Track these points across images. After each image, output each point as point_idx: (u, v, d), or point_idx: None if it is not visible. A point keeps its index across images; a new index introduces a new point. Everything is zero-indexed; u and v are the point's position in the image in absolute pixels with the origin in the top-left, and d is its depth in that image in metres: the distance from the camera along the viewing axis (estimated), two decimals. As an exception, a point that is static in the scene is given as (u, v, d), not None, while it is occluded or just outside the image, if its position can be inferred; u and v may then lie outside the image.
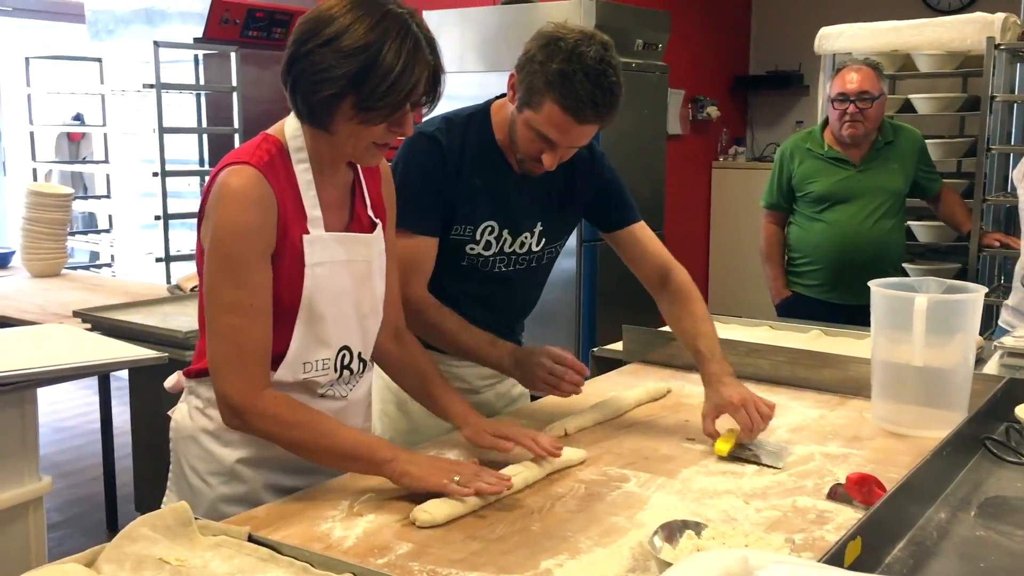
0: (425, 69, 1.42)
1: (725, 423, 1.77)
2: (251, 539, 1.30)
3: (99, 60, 5.62)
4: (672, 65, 5.09)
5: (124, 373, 4.37)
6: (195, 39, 4.97)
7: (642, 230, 2.02)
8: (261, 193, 1.43)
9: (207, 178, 1.59)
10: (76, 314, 3.08)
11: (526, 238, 1.95)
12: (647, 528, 1.37)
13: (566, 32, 1.70)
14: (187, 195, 5.11)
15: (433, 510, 1.40)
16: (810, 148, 3.39)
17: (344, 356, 1.58)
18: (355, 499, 1.48)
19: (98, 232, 5.93)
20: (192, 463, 1.59)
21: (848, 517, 1.43)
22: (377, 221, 1.62)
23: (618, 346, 2.45)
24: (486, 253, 1.92)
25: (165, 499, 1.63)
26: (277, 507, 1.47)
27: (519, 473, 1.54)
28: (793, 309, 3.38)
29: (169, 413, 1.67)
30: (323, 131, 1.46)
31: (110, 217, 5.78)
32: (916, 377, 1.84)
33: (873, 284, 1.88)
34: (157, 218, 4.71)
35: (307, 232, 1.49)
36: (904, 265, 3.49)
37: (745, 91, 7.15)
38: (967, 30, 3.64)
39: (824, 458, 1.71)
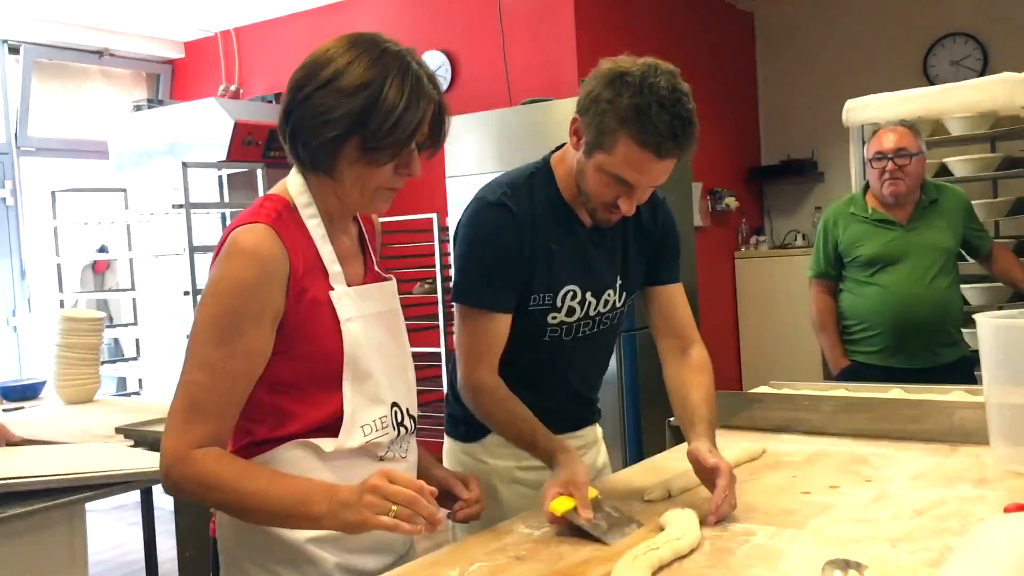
0: (430, 104, 1.36)
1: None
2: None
3: (124, 190, 5.67)
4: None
5: (168, 502, 4.25)
6: (219, 161, 5.01)
7: (680, 291, 1.93)
8: (271, 252, 1.34)
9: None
10: (119, 431, 2.98)
11: (609, 295, 1.84)
12: (793, 578, 1.25)
13: (629, 65, 1.60)
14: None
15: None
16: (854, 212, 3.33)
17: (396, 413, 1.47)
18: (464, 569, 1.36)
19: (126, 360, 5.85)
20: (251, 553, 1.42)
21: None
22: (390, 277, 1.54)
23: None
24: (569, 320, 1.80)
25: None
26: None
27: (685, 534, 1.40)
28: (854, 379, 3.25)
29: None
30: (328, 178, 1.38)
31: (137, 342, 5.72)
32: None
33: (980, 316, 1.78)
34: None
35: (332, 288, 1.40)
36: (964, 331, 3.38)
37: (760, 181, 7.17)
38: (996, 91, 3.64)
39: (959, 500, 1.58)
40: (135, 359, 5.75)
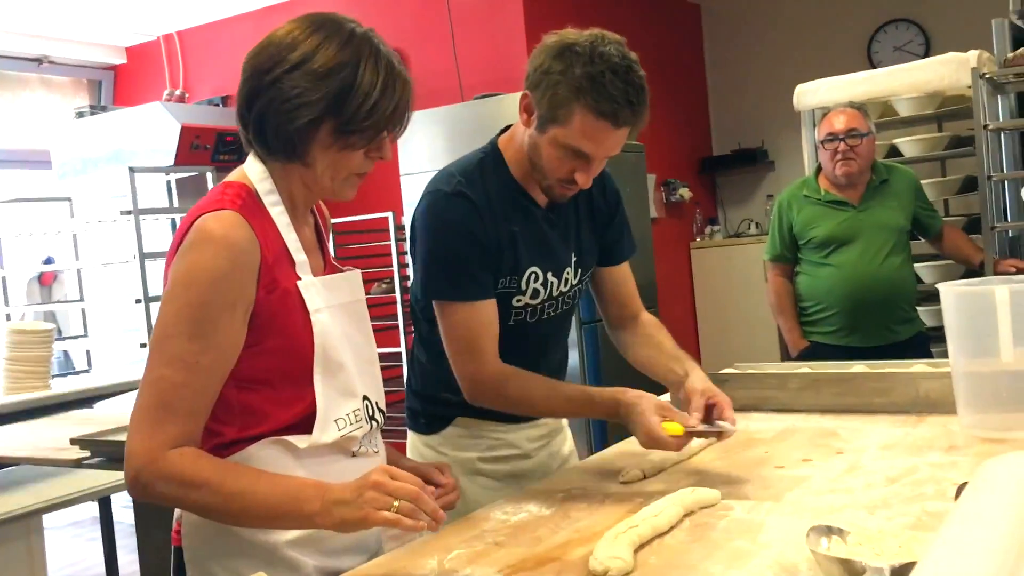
0: (405, 87, 1.33)
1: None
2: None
3: (68, 199, 5.54)
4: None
5: (127, 516, 4.15)
6: (167, 166, 4.92)
7: (627, 267, 1.97)
8: (243, 239, 1.28)
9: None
10: (75, 442, 2.90)
11: (567, 274, 1.83)
12: (776, 549, 1.25)
13: (576, 37, 1.59)
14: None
15: (620, 553, 1.23)
16: (807, 195, 3.38)
17: (368, 407, 1.42)
18: (443, 557, 1.33)
19: (76, 373, 5.72)
20: (224, 560, 1.34)
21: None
22: (351, 268, 1.49)
23: (666, 397, 2.32)
24: (534, 302, 1.80)
25: None
26: None
27: (663, 511, 1.38)
28: (813, 360, 3.28)
29: (173, 523, 1.40)
30: (299, 164, 1.33)
31: (88, 354, 5.59)
32: (1005, 381, 1.74)
33: (943, 286, 1.79)
34: (143, 346, 4.54)
35: (299, 278, 1.34)
36: (919, 308, 3.42)
37: (712, 171, 7.22)
38: (943, 70, 3.69)
39: (931, 467, 1.58)
40: (86, 371, 5.63)
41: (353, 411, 1.38)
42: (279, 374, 1.33)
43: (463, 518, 1.53)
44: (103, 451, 2.89)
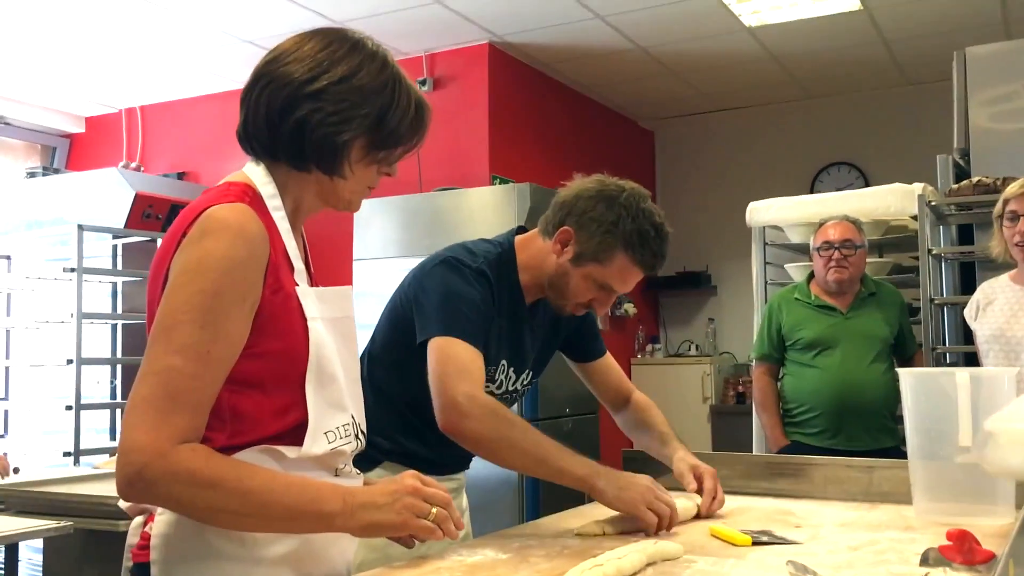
0: (428, 112, 1.39)
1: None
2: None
3: (8, 257, 5.40)
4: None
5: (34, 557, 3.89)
6: (120, 228, 4.84)
7: (609, 357, 2.16)
8: (257, 232, 1.25)
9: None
10: (-11, 489, 2.76)
11: (526, 375, 1.98)
12: (744, 595, 1.22)
13: (616, 188, 1.81)
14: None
15: None
16: (798, 298, 3.52)
17: (354, 424, 1.37)
18: (399, 586, 1.27)
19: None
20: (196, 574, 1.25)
21: (956, 576, 1.29)
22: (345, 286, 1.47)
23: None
24: (497, 392, 1.91)
25: None
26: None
27: (627, 555, 1.35)
28: (793, 457, 3.33)
29: (132, 540, 1.30)
30: (327, 175, 1.33)
31: (6, 415, 5.34)
32: (961, 471, 1.75)
33: (903, 370, 1.82)
34: (69, 408, 4.36)
35: (297, 284, 1.31)
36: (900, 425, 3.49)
37: (657, 291, 7.35)
38: (890, 199, 3.86)
39: (890, 541, 1.57)
40: (2, 436, 5.36)
41: (343, 425, 1.33)
42: (272, 379, 1.27)
43: (419, 556, 1.47)
44: (16, 502, 2.75)
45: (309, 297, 1.31)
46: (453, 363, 1.71)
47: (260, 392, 1.26)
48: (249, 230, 1.24)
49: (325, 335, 1.31)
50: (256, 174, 1.34)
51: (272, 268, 1.26)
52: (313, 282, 1.42)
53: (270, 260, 1.26)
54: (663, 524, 1.64)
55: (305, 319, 1.29)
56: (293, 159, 1.33)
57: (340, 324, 1.37)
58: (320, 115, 1.29)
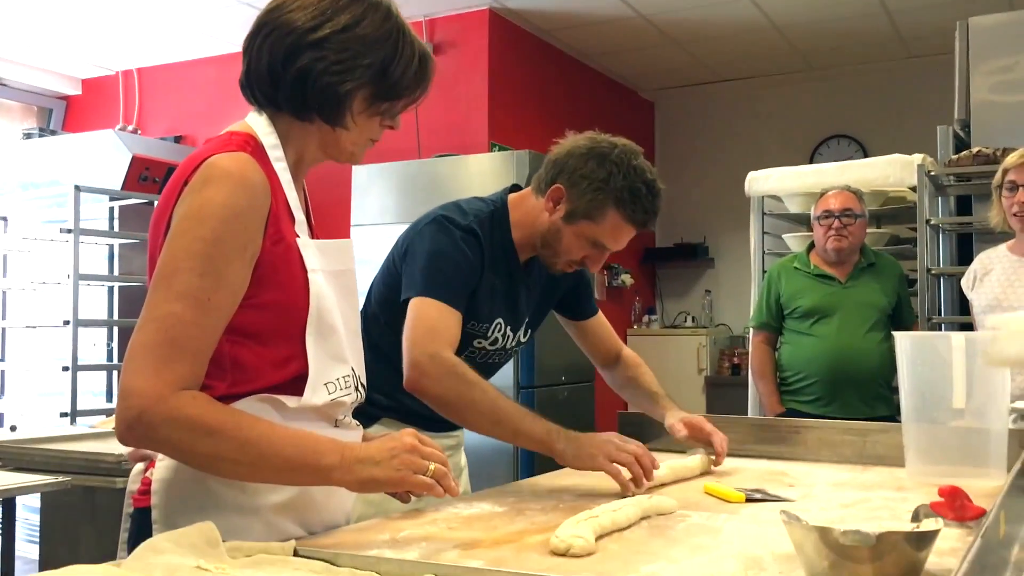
0: (431, 64, 1.38)
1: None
2: (297, 555, 1.09)
3: (4, 218, 5.39)
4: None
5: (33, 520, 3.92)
6: (116, 190, 4.82)
7: (601, 318, 2.18)
8: (258, 182, 1.24)
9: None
10: (-12, 445, 2.77)
11: (523, 332, 1.99)
12: (738, 546, 1.24)
13: (608, 145, 1.81)
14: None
15: (582, 533, 1.21)
16: (797, 267, 3.53)
17: (355, 375, 1.38)
18: (395, 534, 1.28)
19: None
20: (200, 519, 1.20)
21: (947, 532, 1.30)
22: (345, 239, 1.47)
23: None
24: (491, 348, 1.93)
25: None
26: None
27: (622, 508, 1.36)
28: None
29: (132, 487, 1.32)
30: (329, 125, 1.32)
31: (2, 375, 5.35)
32: (954, 435, 1.76)
33: (899, 333, 1.83)
34: (65, 369, 4.37)
35: (298, 236, 1.31)
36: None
37: (654, 263, 7.35)
38: (889, 170, 3.85)
39: (883, 499, 1.59)
40: (-1, 397, 5.38)
41: (343, 376, 1.34)
42: (272, 330, 1.27)
43: (415, 509, 1.48)
44: (13, 458, 2.76)
45: (310, 249, 1.31)
46: (423, 323, 1.73)
47: (260, 343, 1.26)
48: (251, 179, 1.23)
49: (325, 287, 1.31)
50: (258, 124, 1.33)
51: (273, 218, 1.26)
52: (314, 235, 1.41)
53: (271, 210, 1.26)
54: (635, 474, 1.61)
55: (306, 271, 1.29)
56: (295, 109, 1.32)
57: (341, 277, 1.37)
58: (323, 64, 1.28)
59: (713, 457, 1.88)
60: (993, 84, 3.76)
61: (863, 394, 3.34)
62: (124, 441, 1.18)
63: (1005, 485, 1.41)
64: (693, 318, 7.15)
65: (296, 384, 1.28)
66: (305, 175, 1.42)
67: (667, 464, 1.75)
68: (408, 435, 1.25)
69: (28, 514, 3.90)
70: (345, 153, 1.37)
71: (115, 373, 4.91)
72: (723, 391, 6.38)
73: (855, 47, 6.34)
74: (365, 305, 1.97)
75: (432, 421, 1.79)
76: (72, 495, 2.67)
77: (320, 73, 1.28)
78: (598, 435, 1.68)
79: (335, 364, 1.33)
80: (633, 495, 1.53)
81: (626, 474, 1.61)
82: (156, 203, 1.32)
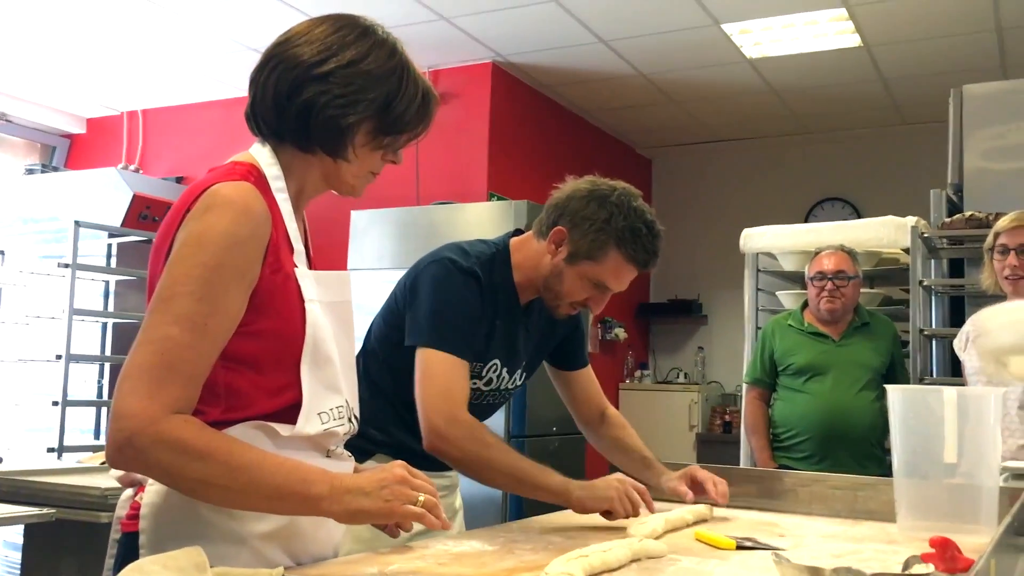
0: (435, 102, 1.41)
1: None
2: (286, 582, 1.08)
3: (1, 252, 5.39)
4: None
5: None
6: (116, 227, 4.85)
7: (590, 372, 2.18)
8: (260, 211, 1.26)
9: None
10: (-28, 476, 2.74)
11: (519, 374, 2.00)
12: (728, 590, 1.23)
13: (607, 188, 1.85)
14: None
15: (573, 571, 1.22)
16: (791, 325, 3.56)
17: (348, 407, 1.38)
18: (383, 568, 1.28)
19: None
20: (188, 546, 1.21)
21: (937, 582, 1.30)
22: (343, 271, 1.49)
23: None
24: (485, 389, 1.93)
25: None
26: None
27: (612, 549, 1.36)
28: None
29: (120, 512, 1.31)
30: (331, 157, 1.35)
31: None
32: (945, 490, 1.76)
33: (891, 388, 1.84)
34: (56, 404, 4.34)
35: (296, 266, 1.33)
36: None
37: (648, 318, 7.37)
38: (883, 231, 3.90)
39: (874, 551, 1.59)
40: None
41: (337, 406, 1.34)
42: (268, 358, 1.28)
43: (404, 545, 1.47)
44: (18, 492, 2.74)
45: (308, 279, 1.33)
46: (435, 382, 1.75)
47: (255, 370, 1.27)
48: (252, 208, 1.25)
49: (322, 317, 1.32)
50: (262, 155, 1.36)
51: (273, 248, 1.28)
52: (312, 266, 1.43)
53: (271, 240, 1.28)
54: (635, 505, 1.72)
55: (303, 300, 1.30)
56: (299, 141, 1.35)
57: (338, 308, 1.38)
58: (327, 97, 1.31)
59: (711, 505, 1.91)
60: (986, 150, 3.83)
61: (855, 452, 3.35)
62: (114, 463, 1.18)
63: (996, 535, 1.41)
64: (685, 374, 7.16)
65: (290, 413, 1.29)
66: (306, 206, 1.44)
67: (663, 516, 1.74)
68: (398, 466, 1.25)
69: (8, 551, 3.84)
70: (346, 185, 1.40)
71: (104, 409, 4.89)
72: (714, 448, 6.35)
73: (851, 112, 6.44)
74: (364, 342, 1.98)
75: (427, 459, 1.78)
76: (55, 529, 2.64)
77: (324, 106, 1.31)
78: (608, 479, 1.75)
79: (329, 394, 1.33)
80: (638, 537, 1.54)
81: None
82: (160, 225, 1.34)
